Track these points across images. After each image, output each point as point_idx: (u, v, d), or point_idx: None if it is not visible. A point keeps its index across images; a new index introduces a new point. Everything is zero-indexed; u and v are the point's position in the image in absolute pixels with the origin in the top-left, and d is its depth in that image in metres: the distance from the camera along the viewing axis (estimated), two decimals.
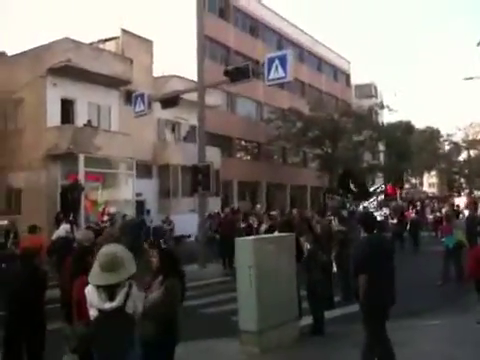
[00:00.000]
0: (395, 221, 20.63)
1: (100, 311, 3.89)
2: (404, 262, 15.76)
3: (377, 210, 21.23)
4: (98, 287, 3.90)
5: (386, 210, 21.07)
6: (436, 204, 27.95)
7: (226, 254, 14.66)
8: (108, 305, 3.87)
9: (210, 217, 19.59)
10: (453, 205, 21.49)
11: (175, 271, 4.93)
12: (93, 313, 3.94)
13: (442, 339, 7.22)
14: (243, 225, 16.83)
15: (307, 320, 7.61)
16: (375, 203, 19.69)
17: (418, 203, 29.80)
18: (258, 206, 25.85)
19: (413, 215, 21.69)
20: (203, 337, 7.63)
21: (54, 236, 12.83)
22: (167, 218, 20.82)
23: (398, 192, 26.36)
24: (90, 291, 3.97)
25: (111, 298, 3.88)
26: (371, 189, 34.61)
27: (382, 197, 20.29)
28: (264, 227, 14.64)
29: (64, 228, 13.39)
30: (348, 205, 21.50)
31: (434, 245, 18.02)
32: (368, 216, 6.35)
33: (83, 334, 4.36)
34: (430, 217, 22.91)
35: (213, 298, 11.08)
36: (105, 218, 17.74)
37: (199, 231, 15.92)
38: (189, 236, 20.29)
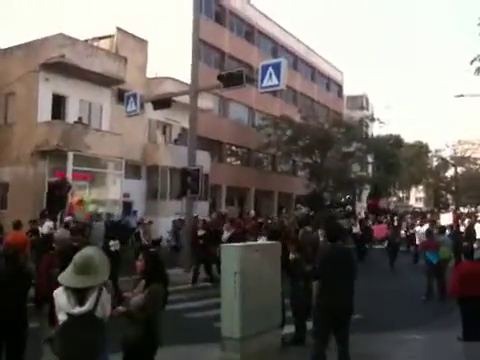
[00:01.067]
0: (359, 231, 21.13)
1: (69, 315, 3.82)
2: (388, 276, 15.92)
3: (344, 220, 21.21)
4: (67, 290, 3.84)
5: (352, 220, 21.04)
6: (409, 220, 27.97)
7: (206, 259, 14.27)
8: (77, 309, 3.81)
9: (175, 224, 19.20)
10: (434, 222, 21.67)
11: (159, 275, 4.90)
12: (61, 317, 3.87)
13: (422, 354, 7.26)
14: (202, 232, 14.48)
15: (289, 329, 7.61)
16: (343, 214, 19.84)
17: (395, 218, 29.97)
18: (252, 212, 25.89)
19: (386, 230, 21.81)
20: (185, 342, 7.60)
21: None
22: (142, 220, 19.90)
23: (381, 204, 26.14)
24: (58, 294, 3.89)
25: (81, 302, 3.83)
26: (342, 200, 34.81)
27: (350, 208, 20.41)
28: (226, 235, 13.96)
29: (47, 225, 13.26)
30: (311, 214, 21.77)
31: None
32: (332, 225, 6.53)
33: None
34: (402, 232, 22.99)
35: (197, 303, 11.05)
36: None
37: (185, 235, 15.86)
38: (160, 240, 19.46)
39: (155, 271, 4.83)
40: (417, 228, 19.94)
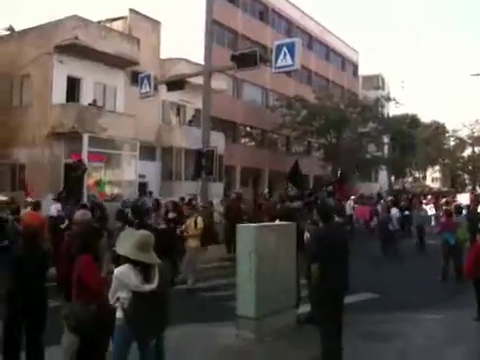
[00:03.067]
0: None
1: (137, 293, 3.91)
2: (404, 257, 15.85)
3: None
4: (135, 267, 3.93)
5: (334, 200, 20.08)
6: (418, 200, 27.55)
7: (232, 239, 14.45)
8: (148, 287, 3.92)
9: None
10: (447, 203, 21.28)
11: (166, 253, 4.97)
12: (124, 295, 3.95)
13: (437, 334, 7.25)
14: (173, 215, 12.53)
15: (305, 308, 7.64)
16: (325, 193, 19.45)
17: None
18: (265, 191, 25.78)
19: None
20: (200, 321, 7.68)
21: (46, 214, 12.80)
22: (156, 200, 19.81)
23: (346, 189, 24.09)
24: (124, 272, 3.97)
25: (147, 280, 3.94)
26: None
27: (331, 188, 19.83)
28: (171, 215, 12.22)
29: (56, 207, 13.33)
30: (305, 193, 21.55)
31: None
32: (325, 207, 6.54)
33: (81, 314, 4.40)
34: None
35: (212, 282, 11.14)
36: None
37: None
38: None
39: (165, 250, 4.89)
40: (393, 210, 16.68)
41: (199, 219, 10.76)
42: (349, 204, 22.24)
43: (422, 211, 19.60)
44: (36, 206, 10.95)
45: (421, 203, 23.19)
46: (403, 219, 20.82)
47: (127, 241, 4.06)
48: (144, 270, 3.95)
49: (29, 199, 13.59)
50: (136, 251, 3.95)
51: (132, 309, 3.93)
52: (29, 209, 11.20)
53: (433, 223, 24.09)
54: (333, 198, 19.10)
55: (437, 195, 34.53)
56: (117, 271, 4.00)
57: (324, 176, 37.30)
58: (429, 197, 31.04)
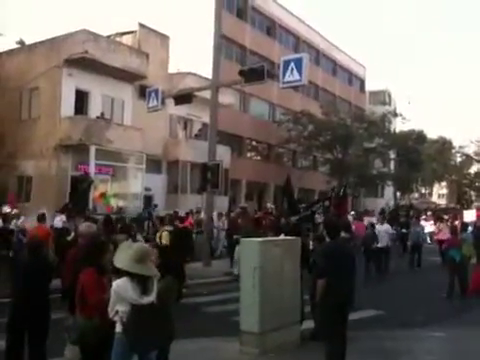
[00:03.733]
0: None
1: (135, 305, 3.91)
2: (409, 273, 15.77)
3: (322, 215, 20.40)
4: (132, 281, 3.94)
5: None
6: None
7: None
8: (146, 299, 3.93)
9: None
10: (454, 218, 21.20)
11: (171, 268, 4.95)
12: (123, 308, 3.96)
13: (442, 351, 7.19)
14: None
15: (309, 324, 7.60)
16: (321, 209, 19.30)
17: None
18: (269, 205, 25.79)
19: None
20: (204, 335, 7.65)
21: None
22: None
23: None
24: (122, 285, 3.98)
25: (144, 292, 3.95)
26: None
27: (328, 203, 19.54)
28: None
29: (60, 219, 13.39)
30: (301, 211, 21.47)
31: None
32: (332, 222, 6.53)
33: (84, 326, 4.41)
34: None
35: (216, 297, 11.11)
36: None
37: (206, 228, 15.96)
38: None
39: (168, 266, 4.88)
40: (381, 227, 15.48)
41: (164, 233, 10.51)
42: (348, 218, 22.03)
43: (418, 227, 19.10)
44: (41, 218, 11.00)
45: (418, 219, 22.85)
46: (402, 236, 20.63)
47: (124, 254, 4.07)
48: (142, 282, 3.96)
49: (9, 209, 13.75)
50: (133, 264, 3.95)
51: (131, 322, 3.93)
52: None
53: (428, 241, 24.17)
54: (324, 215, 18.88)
55: (435, 211, 34.46)
56: (115, 284, 4.01)
57: (327, 191, 37.31)
58: (429, 213, 30.83)
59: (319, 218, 16.73)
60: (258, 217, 18.88)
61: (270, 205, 23.95)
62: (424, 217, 28.12)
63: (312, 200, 21.28)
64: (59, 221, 13.29)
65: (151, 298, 3.97)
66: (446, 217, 26.51)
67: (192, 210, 19.58)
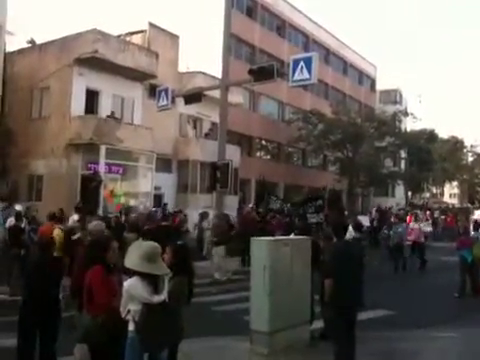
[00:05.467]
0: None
1: (147, 304, 3.91)
2: (421, 273, 15.65)
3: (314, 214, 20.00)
4: (143, 280, 3.93)
5: (322, 216, 19.23)
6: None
7: (247, 252, 14.47)
8: (157, 298, 3.93)
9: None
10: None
11: (185, 268, 4.93)
12: (135, 307, 3.95)
13: (455, 352, 7.12)
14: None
15: (319, 324, 7.57)
16: (313, 208, 19.07)
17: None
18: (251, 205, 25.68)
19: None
20: (214, 334, 7.65)
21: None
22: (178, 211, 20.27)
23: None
24: (134, 285, 3.97)
25: (155, 291, 3.94)
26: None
27: (320, 202, 19.24)
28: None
29: (73, 219, 13.45)
30: (285, 209, 21.21)
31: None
32: (339, 223, 6.52)
33: (89, 325, 4.42)
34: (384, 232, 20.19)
35: (226, 296, 11.10)
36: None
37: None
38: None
39: (182, 264, 4.86)
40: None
41: (56, 231, 10.00)
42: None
43: (400, 227, 17.26)
44: (52, 216, 11.04)
45: (399, 219, 22.26)
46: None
47: (134, 253, 4.06)
48: (153, 282, 3.95)
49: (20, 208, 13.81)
50: (143, 263, 3.94)
51: (142, 321, 3.93)
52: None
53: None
54: (317, 214, 18.70)
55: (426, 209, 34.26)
56: (126, 284, 4.02)
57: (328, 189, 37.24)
58: (428, 212, 30.58)
59: (312, 218, 16.61)
60: (245, 216, 18.83)
61: (251, 205, 23.49)
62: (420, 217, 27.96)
63: (300, 199, 21.01)
64: (71, 220, 13.32)
65: (162, 297, 3.97)
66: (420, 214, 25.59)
67: (180, 209, 19.68)
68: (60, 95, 20.16)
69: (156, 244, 4.23)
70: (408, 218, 26.63)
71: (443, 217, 31.80)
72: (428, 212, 31.16)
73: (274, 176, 32.86)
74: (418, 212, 29.88)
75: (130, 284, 3.99)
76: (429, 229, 25.24)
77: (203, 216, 18.65)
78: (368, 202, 43.72)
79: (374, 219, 25.20)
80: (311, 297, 7.47)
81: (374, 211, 27.97)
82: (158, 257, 4.06)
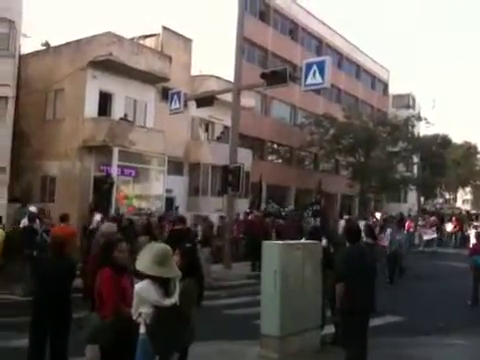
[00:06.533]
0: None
1: (158, 308, 3.92)
2: (433, 279, 15.50)
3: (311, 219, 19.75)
4: (154, 283, 3.94)
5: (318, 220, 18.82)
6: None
7: (257, 256, 14.41)
8: (168, 301, 3.93)
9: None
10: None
11: (192, 270, 4.93)
12: (146, 310, 3.97)
13: (464, 359, 7.05)
14: None
15: (330, 329, 7.53)
16: (310, 212, 18.98)
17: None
18: (290, 207, 25.68)
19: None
20: (224, 338, 7.63)
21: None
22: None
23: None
24: (145, 288, 3.98)
25: (167, 294, 3.95)
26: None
27: (317, 207, 19.12)
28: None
29: (96, 219, 13.60)
30: (283, 213, 21.12)
31: None
32: (352, 227, 6.54)
33: (97, 325, 4.43)
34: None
35: (237, 300, 11.08)
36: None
37: (226, 232, 15.96)
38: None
39: (191, 267, 4.86)
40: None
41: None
42: (341, 224, 21.33)
43: (399, 235, 16.16)
44: (64, 218, 11.12)
45: (403, 226, 21.69)
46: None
47: (146, 256, 4.06)
48: (164, 284, 3.95)
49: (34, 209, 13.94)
50: (153, 266, 3.94)
51: (153, 324, 3.94)
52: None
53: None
54: (315, 219, 18.57)
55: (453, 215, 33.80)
56: (137, 287, 4.03)
57: (352, 195, 37.04)
58: (432, 218, 30.22)
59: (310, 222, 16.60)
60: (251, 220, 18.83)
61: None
62: (422, 222, 27.66)
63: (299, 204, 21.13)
64: (94, 221, 13.45)
65: (173, 300, 3.97)
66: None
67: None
68: (74, 97, 20.32)
69: (167, 246, 4.22)
70: (407, 224, 26.50)
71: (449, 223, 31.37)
72: (433, 218, 30.79)
73: (285, 180, 32.82)
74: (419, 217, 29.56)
75: (141, 287, 4.00)
76: (434, 236, 25.04)
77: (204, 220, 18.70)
78: (380, 208, 43.48)
79: (376, 225, 24.83)
80: (322, 302, 7.45)
81: (378, 216, 27.65)
82: (169, 260, 4.05)
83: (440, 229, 28.49)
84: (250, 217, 19.60)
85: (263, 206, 24.09)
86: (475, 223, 23.54)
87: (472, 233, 18.96)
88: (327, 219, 18.02)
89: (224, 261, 15.15)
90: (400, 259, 15.11)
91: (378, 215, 28.21)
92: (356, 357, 5.59)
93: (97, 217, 13.69)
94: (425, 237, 24.74)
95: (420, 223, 27.54)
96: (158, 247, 4.17)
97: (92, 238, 11.20)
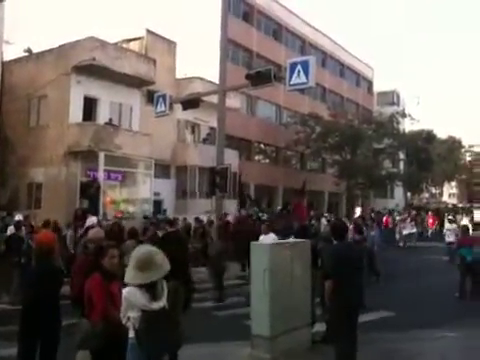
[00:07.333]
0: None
1: (146, 312, 3.92)
2: (417, 273, 15.66)
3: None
4: (141, 287, 3.93)
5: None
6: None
7: (246, 257, 14.45)
8: (156, 305, 3.93)
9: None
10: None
11: (177, 273, 4.93)
12: (134, 315, 3.96)
13: (453, 351, 7.13)
14: None
15: (320, 327, 7.57)
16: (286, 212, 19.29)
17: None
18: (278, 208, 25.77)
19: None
20: (215, 340, 7.64)
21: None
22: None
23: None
24: (132, 293, 3.98)
25: (154, 298, 3.94)
26: None
27: (291, 207, 19.32)
28: None
29: (92, 220, 13.58)
30: (260, 214, 21.27)
31: None
32: (339, 225, 6.63)
33: (88, 331, 4.43)
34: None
35: (227, 301, 11.09)
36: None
37: (215, 233, 15.93)
38: None
39: (178, 269, 4.85)
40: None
41: None
42: (323, 222, 21.33)
43: (373, 231, 15.97)
44: (46, 224, 11.06)
45: (380, 221, 21.85)
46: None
47: (130, 264, 4.05)
48: (151, 289, 3.95)
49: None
50: (136, 273, 3.92)
51: (141, 328, 3.93)
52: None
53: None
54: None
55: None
56: (125, 291, 4.02)
57: (338, 193, 37.24)
58: (413, 213, 30.50)
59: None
60: (227, 221, 18.84)
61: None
62: (400, 218, 27.91)
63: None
64: (90, 222, 13.41)
65: (161, 303, 3.97)
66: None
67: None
68: (58, 103, 20.19)
69: (150, 249, 4.19)
70: (385, 219, 26.70)
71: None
72: (413, 212, 31.07)
73: (273, 179, 32.89)
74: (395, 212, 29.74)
75: (128, 291, 4.00)
76: (414, 230, 25.35)
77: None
78: (368, 204, 43.76)
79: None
80: (312, 300, 7.48)
81: (358, 212, 27.83)
82: (152, 263, 4.00)
83: (421, 224, 28.83)
84: (230, 218, 19.47)
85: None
86: (449, 217, 23.98)
87: (446, 227, 19.22)
88: (291, 224, 17.99)
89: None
90: (373, 258, 14.19)
91: (358, 211, 28.44)
92: (346, 353, 5.63)
93: (93, 219, 13.65)
94: (404, 232, 25.03)
95: (398, 218, 27.84)
96: (139, 252, 4.13)
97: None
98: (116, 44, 22.40)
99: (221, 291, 11.18)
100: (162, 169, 23.80)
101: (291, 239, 8.45)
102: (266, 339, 6.53)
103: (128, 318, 4.00)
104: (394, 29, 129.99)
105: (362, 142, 35.06)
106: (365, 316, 7.62)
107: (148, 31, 23.60)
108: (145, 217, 15.93)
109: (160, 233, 10.48)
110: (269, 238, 11.02)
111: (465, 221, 22.11)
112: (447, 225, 20.09)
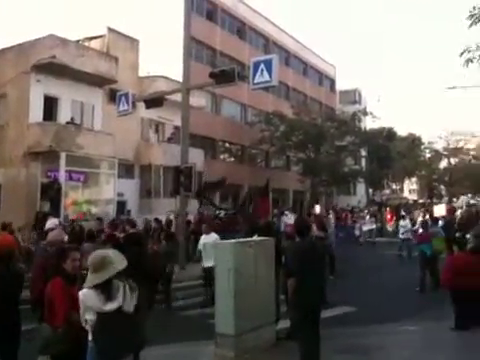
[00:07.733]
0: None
1: (101, 313, 3.88)
2: (383, 267, 16.02)
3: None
4: (96, 289, 3.90)
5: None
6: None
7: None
8: (109, 306, 3.89)
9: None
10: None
11: (137, 273, 4.91)
12: (90, 317, 3.92)
13: (415, 345, 7.32)
14: None
15: (284, 324, 7.65)
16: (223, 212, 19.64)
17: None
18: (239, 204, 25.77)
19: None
20: (180, 340, 7.62)
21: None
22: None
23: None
24: (86, 295, 3.94)
25: (109, 299, 3.90)
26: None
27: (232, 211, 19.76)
28: None
29: (54, 222, 13.30)
30: (217, 212, 21.57)
31: None
32: (301, 222, 6.70)
33: (50, 336, 4.37)
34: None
35: (191, 300, 11.08)
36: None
37: (179, 232, 15.88)
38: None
39: (137, 270, 4.83)
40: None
41: None
42: (283, 220, 21.53)
43: (330, 228, 16.30)
44: (5, 226, 10.82)
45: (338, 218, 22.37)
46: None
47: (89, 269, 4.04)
48: (105, 289, 3.92)
49: None
50: (91, 276, 3.93)
51: (97, 329, 3.91)
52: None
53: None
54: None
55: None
56: (80, 294, 4.00)
57: (304, 191, 37.65)
58: (372, 209, 31.04)
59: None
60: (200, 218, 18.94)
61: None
62: (362, 214, 28.47)
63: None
64: (52, 224, 13.11)
65: (116, 304, 3.93)
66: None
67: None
68: (17, 102, 19.73)
69: (103, 251, 4.18)
70: (343, 216, 27.15)
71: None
72: (374, 208, 31.67)
73: (238, 178, 32.94)
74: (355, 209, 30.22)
75: (83, 294, 3.97)
76: (373, 226, 25.90)
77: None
78: (331, 201, 44.38)
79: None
80: (276, 297, 7.55)
81: (317, 209, 28.22)
82: (105, 263, 3.98)
83: (380, 220, 29.43)
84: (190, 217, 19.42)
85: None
86: (402, 213, 24.59)
87: (400, 223, 19.79)
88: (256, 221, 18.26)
89: (178, 262, 15.06)
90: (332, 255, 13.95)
91: (317, 208, 28.75)
92: (310, 349, 5.71)
93: (55, 220, 13.39)
94: (364, 228, 25.54)
95: (357, 215, 28.35)
96: (93, 256, 4.11)
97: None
98: (77, 42, 22.04)
99: (168, 296, 10.64)
100: (126, 169, 23.55)
101: (255, 237, 8.50)
102: (230, 337, 6.55)
103: (86, 321, 3.97)
104: (355, 29, 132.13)
105: (325, 140, 35.51)
106: (327, 312, 7.75)
107: (110, 29, 23.27)
108: (98, 219, 15.63)
109: (118, 234, 10.31)
110: (210, 238, 10.92)
111: (422, 217, 22.73)
112: (401, 221, 20.68)
